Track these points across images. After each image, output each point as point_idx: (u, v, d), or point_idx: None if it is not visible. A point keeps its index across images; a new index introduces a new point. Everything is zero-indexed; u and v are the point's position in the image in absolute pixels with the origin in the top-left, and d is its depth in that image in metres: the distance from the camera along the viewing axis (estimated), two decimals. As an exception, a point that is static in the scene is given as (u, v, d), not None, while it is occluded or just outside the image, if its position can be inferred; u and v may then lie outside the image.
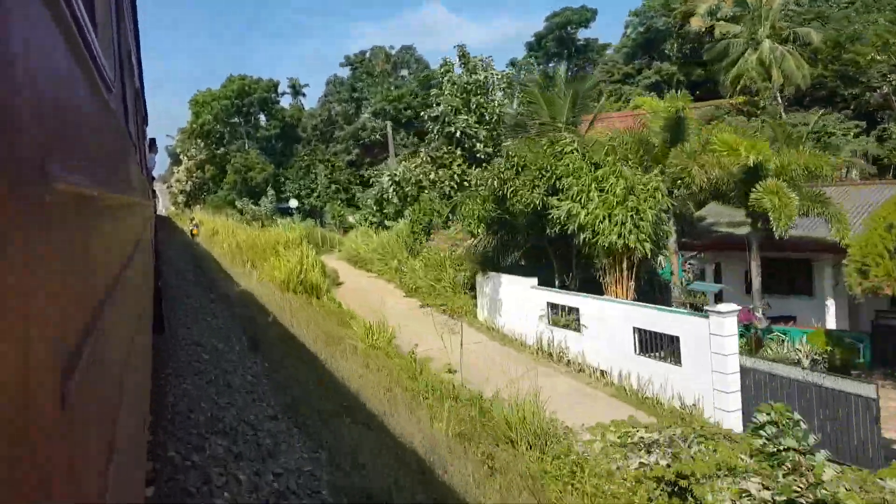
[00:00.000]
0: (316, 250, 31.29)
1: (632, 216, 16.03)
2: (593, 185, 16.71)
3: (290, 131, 53.83)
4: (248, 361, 9.55)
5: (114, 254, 1.39)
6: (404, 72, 60.76)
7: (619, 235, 16.04)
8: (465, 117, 29.45)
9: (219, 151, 53.80)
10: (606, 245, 16.27)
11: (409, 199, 30.85)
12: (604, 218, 16.28)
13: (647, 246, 16.19)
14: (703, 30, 50.50)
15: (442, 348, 19.08)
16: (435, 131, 31.14)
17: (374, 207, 34.12)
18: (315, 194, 49.80)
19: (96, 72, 1.24)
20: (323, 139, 56.46)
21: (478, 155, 29.50)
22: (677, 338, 14.72)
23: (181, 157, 72.40)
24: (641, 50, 67.43)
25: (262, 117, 55.59)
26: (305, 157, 50.85)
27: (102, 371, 0.96)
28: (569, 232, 17.13)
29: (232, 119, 54.78)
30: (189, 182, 70.22)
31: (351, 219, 44.50)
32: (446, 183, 29.07)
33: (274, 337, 12.09)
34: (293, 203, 49.59)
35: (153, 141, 14.47)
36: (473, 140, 29.41)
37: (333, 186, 49.31)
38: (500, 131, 29.74)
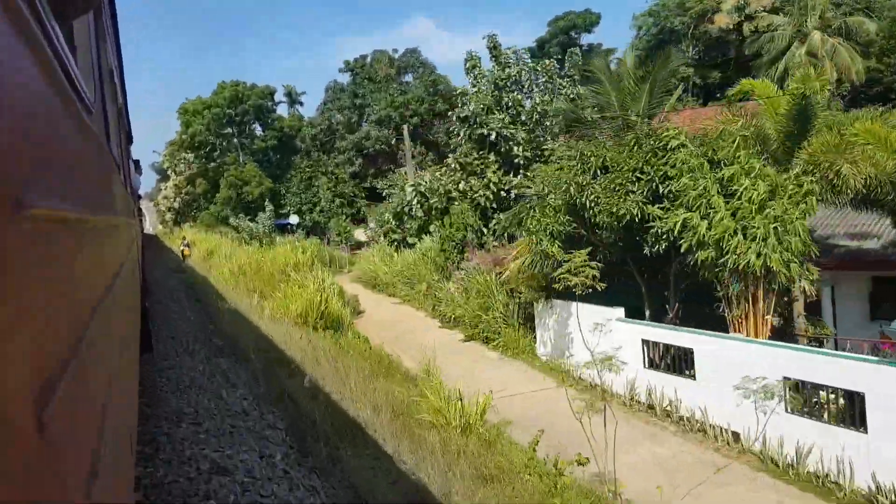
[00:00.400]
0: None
1: (774, 229, 12.18)
2: (716, 189, 12.86)
3: (288, 142, 49.76)
4: (302, 493, 5.57)
5: (98, 274, 1.39)
6: (409, 77, 56.94)
7: (759, 254, 12.17)
8: (500, 116, 25.62)
9: (211, 165, 49.60)
10: (739, 267, 12.39)
11: (435, 213, 26.91)
12: (735, 231, 12.41)
13: (794, 268, 12.32)
14: (731, 27, 47.30)
15: (512, 396, 15.10)
16: (463, 134, 27.30)
17: (393, 223, 30.08)
18: (318, 209, 45.72)
19: (75, 95, 1.26)
20: (323, 150, 52.52)
21: (515, 160, 25.65)
22: (860, 394, 10.81)
23: (169, 172, 68.59)
24: (654, 52, 64.30)
25: (258, 127, 51.46)
26: (307, 169, 46.79)
27: (84, 393, 0.94)
28: (682, 249, 13.26)
29: (224, 130, 50.63)
30: (178, 199, 66.31)
31: (361, 235, 40.38)
32: (480, 193, 25.16)
33: (320, 415, 8.07)
34: (294, 219, 45.48)
35: (137, 162, 14.28)
36: (510, 143, 25.57)
37: (338, 200, 45.27)
38: (539, 132, 25.94)
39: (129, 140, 8.48)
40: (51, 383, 0.67)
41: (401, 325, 22.34)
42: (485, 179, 25.21)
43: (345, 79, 57.09)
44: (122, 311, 2.22)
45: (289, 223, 46.35)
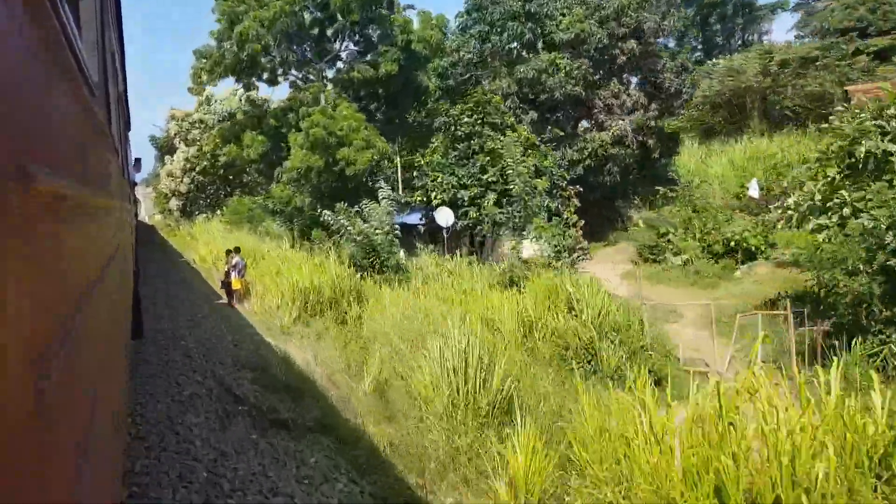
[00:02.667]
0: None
1: None
2: None
3: (415, 69, 26.60)
4: None
5: (93, 255, 1.39)
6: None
7: None
8: None
9: (270, 109, 26.35)
10: None
11: None
12: None
13: None
14: None
15: None
16: None
17: None
18: (491, 198, 22.79)
19: (80, 73, 1.23)
20: (457, 92, 29.45)
21: None
22: None
23: (176, 140, 45.88)
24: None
25: (351, 45, 28.04)
26: (465, 120, 23.85)
27: (77, 371, 0.94)
28: None
29: (292, 45, 27.20)
30: (187, 178, 43.65)
31: (528, 250, 17.35)
32: None
33: None
34: (444, 216, 22.51)
35: (138, 161, 14.57)
36: None
37: (538, 183, 22.36)
38: None
39: (128, 126, 8.35)
40: (46, 358, 0.66)
41: None
42: None
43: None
44: (114, 292, 2.18)
45: (424, 222, 23.46)
